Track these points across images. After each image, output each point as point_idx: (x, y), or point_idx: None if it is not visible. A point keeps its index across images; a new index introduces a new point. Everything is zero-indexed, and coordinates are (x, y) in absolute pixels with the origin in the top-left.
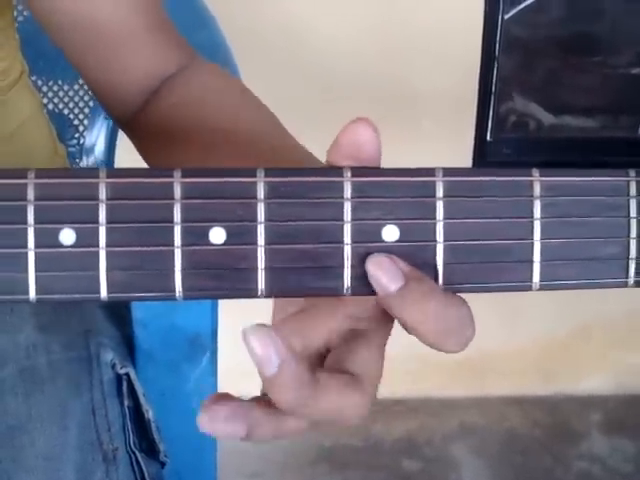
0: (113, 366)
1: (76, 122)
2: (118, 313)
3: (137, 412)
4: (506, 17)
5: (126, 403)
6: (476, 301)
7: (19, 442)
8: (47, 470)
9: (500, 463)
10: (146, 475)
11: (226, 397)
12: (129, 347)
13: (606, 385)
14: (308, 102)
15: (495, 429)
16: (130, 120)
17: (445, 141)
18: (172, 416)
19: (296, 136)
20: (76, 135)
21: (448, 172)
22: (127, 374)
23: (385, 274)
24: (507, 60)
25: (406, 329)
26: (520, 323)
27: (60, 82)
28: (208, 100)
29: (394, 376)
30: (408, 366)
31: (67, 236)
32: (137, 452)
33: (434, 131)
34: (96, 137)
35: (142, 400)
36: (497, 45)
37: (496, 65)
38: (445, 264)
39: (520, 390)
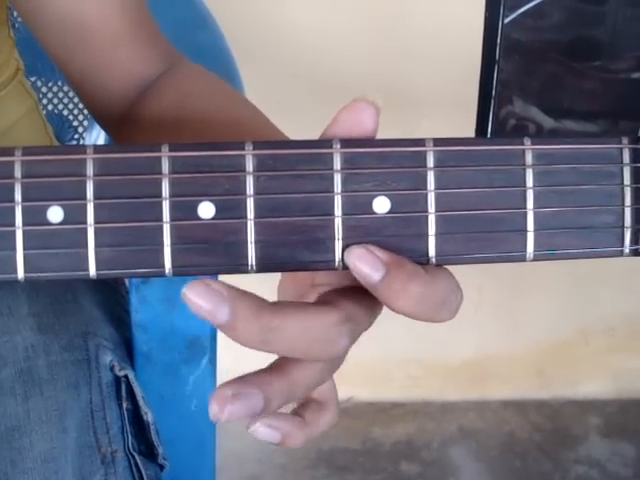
0: (112, 368)
1: (75, 123)
2: (117, 315)
3: (136, 414)
4: (506, 21)
5: (125, 405)
6: (475, 305)
7: (18, 444)
8: (45, 472)
9: (499, 467)
10: (145, 478)
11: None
12: (128, 349)
13: (605, 389)
14: (309, 103)
15: (494, 433)
16: (114, 120)
17: None
18: (171, 419)
19: (296, 137)
20: (75, 136)
21: (439, 142)
22: (126, 376)
23: (365, 265)
24: (507, 64)
25: (395, 312)
26: (519, 327)
27: (60, 83)
28: (193, 102)
29: (393, 379)
30: (407, 369)
31: (55, 214)
32: (136, 455)
33: (434, 134)
34: (95, 138)
35: (141, 402)
36: (497, 48)
37: (496, 68)
38: (437, 235)
39: (519, 394)
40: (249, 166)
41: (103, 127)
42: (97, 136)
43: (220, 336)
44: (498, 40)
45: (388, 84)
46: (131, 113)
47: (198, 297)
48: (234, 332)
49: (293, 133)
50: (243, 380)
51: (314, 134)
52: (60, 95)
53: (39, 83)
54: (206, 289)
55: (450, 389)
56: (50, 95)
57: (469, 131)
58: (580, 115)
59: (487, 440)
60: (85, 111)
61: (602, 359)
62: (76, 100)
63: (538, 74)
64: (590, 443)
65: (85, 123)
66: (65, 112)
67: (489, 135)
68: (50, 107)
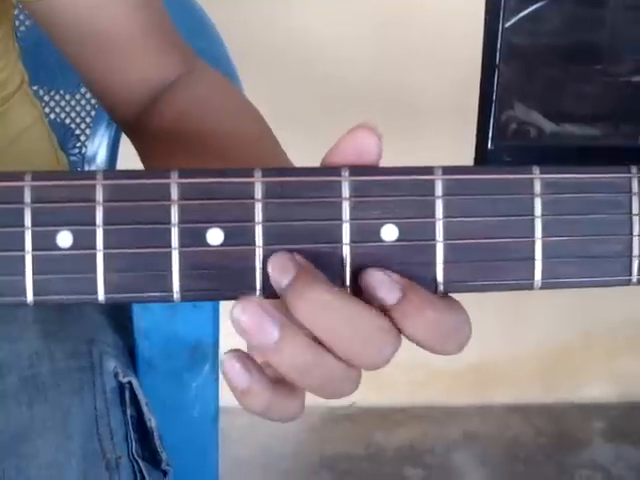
0: (116, 375)
1: (78, 132)
2: (120, 323)
3: (140, 421)
4: (507, 25)
5: (129, 412)
6: (478, 310)
7: (22, 451)
8: (50, 478)
9: (502, 471)
10: None
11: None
12: (131, 356)
13: (608, 393)
14: (309, 111)
15: (497, 437)
16: (132, 123)
17: (446, 148)
18: (174, 425)
19: (296, 145)
20: (78, 144)
21: (447, 170)
22: (130, 383)
23: (381, 288)
24: (508, 68)
25: (407, 337)
26: (522, 331)
27: (62, 92)
28: (207, 109)
29: (397, 384)
30: (411, 374)
31: (64, 238)
32: (140, 461)
33: (435, 139)
34: (98, 146)
35: (145, 409)
36: (498, 53)
37: (497, 73)
38: (445, 263)
39: (522, 398)
40: (258, 193)
41: (121, 127)
42: (99, 144)
43: (222, 342)
44: (498, 45)
45: (389, 90)
46: (144, 118)
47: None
48: (294, 294)
49: (293, 139)
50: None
51: (313, 140)
52: (62, 104)
53: (41, 92)
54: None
55: (453, 394)
56: (52, 104)
57: (470, 135)
58: (581, 119)
59: (491, 445)
60: (87, 119)
61: (605, 363)
62: (78, 109)
63: (538, 78)
64: (594, 447)
65: (87, 131)
66: (67, 121)
67: (490, 139)
68: (52, 116)
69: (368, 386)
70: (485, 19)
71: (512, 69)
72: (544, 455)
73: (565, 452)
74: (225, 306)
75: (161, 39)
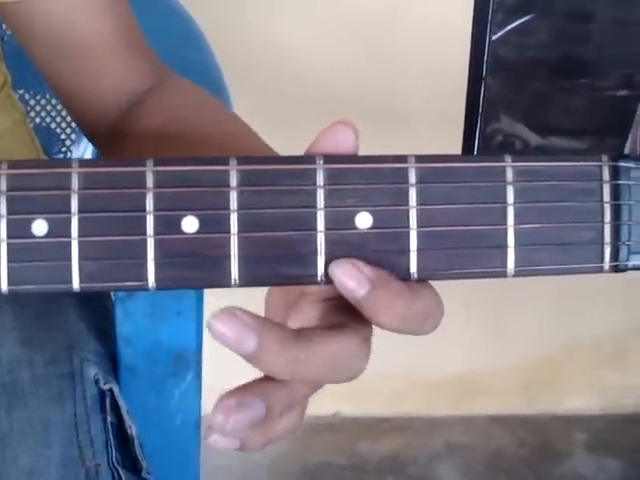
0: (97, 381)
1: (63, 136)
2: (102, 329)
3: (120, 428)
4: (494, 38)
5: (109, 419)
6: (462, 321)
7: (1, 457)
8: None
9: None
10: None
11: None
12: (113, 363)
13: (591, 405)
14: (297, 119)
15: (480, 448)
16: (104, 135)
17: None
18: (155, 433)
19: (285, 152)
20: (63, 149)
21: (421, 159)
22: (110, 390)
23: (351, 280)
24: (494, 81)
25: (380, 327)
26: (505, 343)
27: (48, 96)
28: (185, 116)
29: (380, 394)
30: (394, 385)
31: (39, 227)
32: (120, 469)
33: (421, 150)
34: (83, 151)
35: (125, 416)
36: (484, 66)
37: (483, 85)
38: (419, 250)
39: (505, 409)
40: (233, 181)
41: (93, 141)
42: (85, 149)
43: (205, 350)
44: (485, 57)
45: (376, 100)
46: (122, 127)
47: (224, 326)
48: (260, 363)
49: (282, 148)
50: (245, 390)
51: (302, 149)
52: (48, 108)
53: (27, 96)
54: (231, 318)
55: (437, 404)
56: (38, 108)
57: (456, 147)
58: (566, 132)
59: (473, 456)
60: (73, 124)
61: (588, 375)
62: (64, 113)
63: (525, 91)
64: (576, 459)
65: (73, 136)
66: (53, 125)
67: (476, 151)
68: (38, 120)
69: (351, 396)
70: (472, 31)
71: (499, 82)
72: (527, 466)
73: (548, 463)
74: (210, 314)
75: (135, 48)
